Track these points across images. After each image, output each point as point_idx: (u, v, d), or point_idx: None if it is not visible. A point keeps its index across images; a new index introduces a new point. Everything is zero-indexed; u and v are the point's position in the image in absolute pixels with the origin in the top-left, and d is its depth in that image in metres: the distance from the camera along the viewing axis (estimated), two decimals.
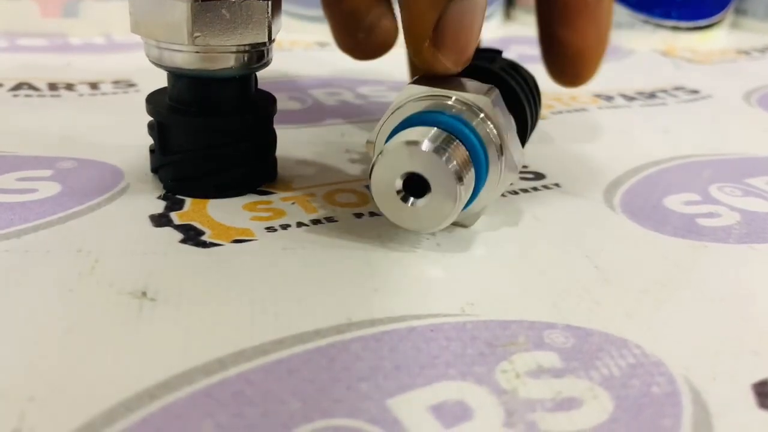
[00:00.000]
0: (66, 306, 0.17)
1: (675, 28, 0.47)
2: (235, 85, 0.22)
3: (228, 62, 0.21)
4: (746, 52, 0.48)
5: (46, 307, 0.17)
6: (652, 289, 0.19)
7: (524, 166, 0.26)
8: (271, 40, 0.21)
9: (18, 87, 0.32)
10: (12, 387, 0.14)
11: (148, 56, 0.22)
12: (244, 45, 0.21)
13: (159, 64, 0.21)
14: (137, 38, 0.22)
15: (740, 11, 0.54)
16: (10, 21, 0.41)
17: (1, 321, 0.16)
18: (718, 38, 0.50)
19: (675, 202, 0.24)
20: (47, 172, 0.24)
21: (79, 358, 0.15)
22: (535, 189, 0.25)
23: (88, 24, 0.41)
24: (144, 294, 0.17)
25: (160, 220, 0.21)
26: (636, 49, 0.46)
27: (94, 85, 0.33)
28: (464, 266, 0.20)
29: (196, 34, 0.20)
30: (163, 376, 0.14)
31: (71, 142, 0.26)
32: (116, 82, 0.33)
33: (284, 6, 0.23)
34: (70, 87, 0.32)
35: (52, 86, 0.32)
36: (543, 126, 0.31)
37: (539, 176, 0.26)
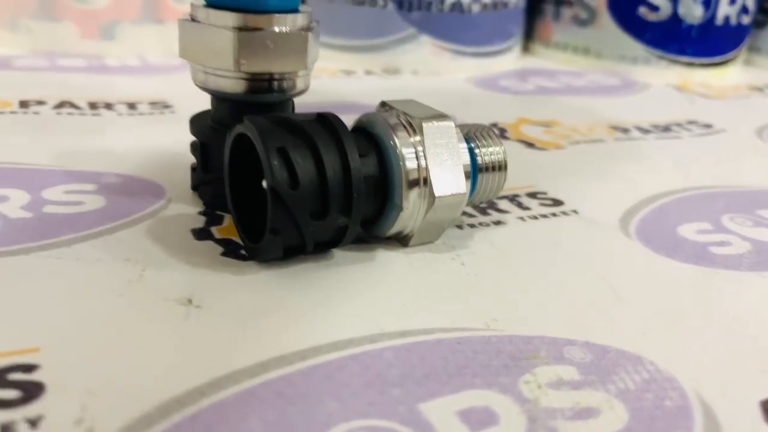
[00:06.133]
0: (118, 310, 0.18)
1: (689, 64, 0.49)
2: (275, 110, 0.23)
3: (268, 88, 0.22)
4: (759, 89, 0.49)
5: (99, 310, 0.18)
6: (665, 311, 0.20)
7: (543, 193, 0.28)
8: (309, 68, 0.23)
9: (61, 105, 0.33)
10: (73, 382, 0.15)
11: (194, 80, 0.23)
12: (285, 72, 0.22)
13: (204, 88, 0.23)
14: (171, 61, 0.23)
15: (753, 49, 0.55)
16: (51, 42, 0.43)
17: (58, 321, 0.17)
18: (731, 74, 0.51)
19: (688, 230, 0.25)
20: (92, 186, 0.25)
21: (133, 358, 0.16)
22: (554, 215, 0.26)
23: (124, 46, 0.43)
24: (190, 301, 0.18)
25: (202, 234, 0.22)
26: (651, 84, 0.48)
27: (132, 106, 0.34)
28: (488, 285, 0.21)
29: (242, 62, 0.21)
30: (211, 376, 0.16)
31: (114, 158, 0.28)
32: (153, 103, 0.35)
33: None
34: (109, 106, 0.34)
35: (93, 105, 0.34)
36: (562, 155, 0.33)
37: (558, 203, 0.27)
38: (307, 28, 0.22)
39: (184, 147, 0.25)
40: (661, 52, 0.48)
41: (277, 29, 0.21)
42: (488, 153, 0.23)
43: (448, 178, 0.21)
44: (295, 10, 0.22)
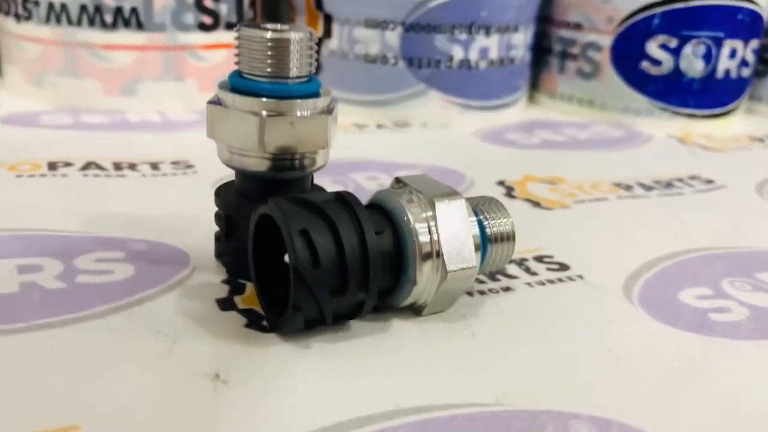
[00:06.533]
0: (153, 386, 0.19)
1: (691, 116, 0.50)
2: (296, 184, 0.25)
3: (291, 166, 0.24)
4: (760, 140, 0.50)
5: (135, 386, 0.19)
6: (666, 382, 0.21)
7: (550, 256, 0.29)
8: (328, 146, 0.24)
9: (87, 167, 0.35)
10: None
11: (219, 157, 0.25)
12: (306, 152, 0.24)
13: (229, 165, 0.24)
14: (190, 117, 0.25)
15: (754, 97, 0.57)
16: (75, 97, 0.45)
17: (97, 398, 0.18)
18: (732, 125, 0.52)
19: (689, 295, 0.27)
20: (121, 254, 0.26)
21: None
22: (560, 280, 0.27)
23: (145, 102, 0.45)
24: (217, 376, 0.20)
25: (226, 304, 0.23)
26: (654, 135, 0.49)
27: (155, 166, 0.36)
28: (498, 356, 0.22)
29: (266, 144, 0.23)
30: None
31: (140, 223, 0.29)
32: (175, 163, 0.36)
33: None
34: (132, 167, 0.35)
35: (117, 166, 0.35)
36: (567, 215, 0.34)
37: (564, 267, 0.28)
38: (327, 111, 0.24)
39: (207, 211, 0.26)
40: (664, 104, 0.50)
41: (299, 113, 0.23)
42: (496, 225, 0.24)
43: (460, 252, 0.23)
44: (316, 95, 0.24)
